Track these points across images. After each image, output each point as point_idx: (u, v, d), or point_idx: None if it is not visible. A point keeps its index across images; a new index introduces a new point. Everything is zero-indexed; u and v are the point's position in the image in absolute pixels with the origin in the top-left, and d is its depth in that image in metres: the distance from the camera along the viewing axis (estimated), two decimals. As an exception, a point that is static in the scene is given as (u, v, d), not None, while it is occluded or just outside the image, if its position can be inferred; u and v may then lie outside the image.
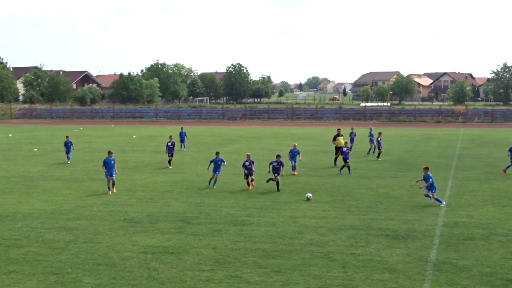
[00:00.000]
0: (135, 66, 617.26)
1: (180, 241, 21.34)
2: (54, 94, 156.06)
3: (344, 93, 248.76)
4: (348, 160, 39.10)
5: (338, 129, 45.54)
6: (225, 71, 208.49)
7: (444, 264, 18.50)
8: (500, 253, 19.79)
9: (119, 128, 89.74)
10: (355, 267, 18.20)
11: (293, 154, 38.71)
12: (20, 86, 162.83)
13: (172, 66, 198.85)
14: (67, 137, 45.89)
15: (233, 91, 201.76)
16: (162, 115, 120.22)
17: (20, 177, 37.29)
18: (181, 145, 54.09)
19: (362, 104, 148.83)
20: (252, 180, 32.52)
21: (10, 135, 74.81)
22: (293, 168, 38.67)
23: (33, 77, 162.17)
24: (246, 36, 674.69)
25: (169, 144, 42.09)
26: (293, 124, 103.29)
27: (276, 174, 32.11)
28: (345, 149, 39.63)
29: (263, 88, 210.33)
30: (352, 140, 51.79)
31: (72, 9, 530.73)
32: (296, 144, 39.98)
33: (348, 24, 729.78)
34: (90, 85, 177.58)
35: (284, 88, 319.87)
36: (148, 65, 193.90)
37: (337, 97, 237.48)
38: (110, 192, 30.98)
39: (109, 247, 20.39)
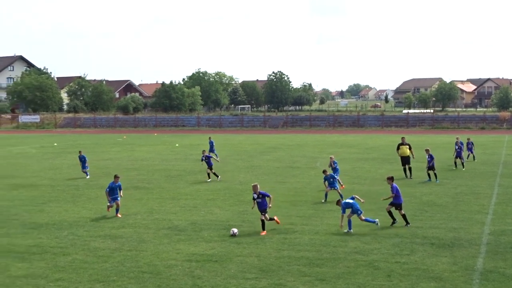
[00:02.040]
0: (177, 74, 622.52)
1: (224, 249, 21.40)
2: (98, 103, 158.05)
3: (386, 100, 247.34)
4: (434, 168, 38.35)
5: (402, 138, 42.12)
6: (266, 79, 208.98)
7: (492, 273, 18.21)
8: (549, 262, 19.41)
9: (161, 137, 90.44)
10: (400, 275, 18.03)
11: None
12: (64, 95, 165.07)
13: (213, 75, 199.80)
14: (79, 152, 43.35)
15: (275, 99, 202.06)
16: (204, 123, 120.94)
17: (66, 185, 37.83)
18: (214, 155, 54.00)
19: (405, 111, 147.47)
20: (269, 219, 24.58)
21: (55, 144, 75.94)
22: (338, 181, 35.94)
23: (77, 86, 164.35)
24: (287, 43, 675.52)
25: (203, 158, 40.42)
26: (335, 131, 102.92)
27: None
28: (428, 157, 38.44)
29: (305, 95, 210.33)
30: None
31: (114, 20, 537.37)
32: (332, 156, 37.39)
33: (389, 30, 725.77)
34: (133, 94, 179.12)
35: (325, 96, 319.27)
36: (190, 74, 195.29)
37: (378, 104, 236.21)
38: (119, 215, 27.60)
39: (153, 255, 20.54)
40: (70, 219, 26.92)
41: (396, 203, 25.12)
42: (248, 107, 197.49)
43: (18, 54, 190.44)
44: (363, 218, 24.14)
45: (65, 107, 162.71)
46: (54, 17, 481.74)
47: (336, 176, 32.53)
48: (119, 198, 28.01)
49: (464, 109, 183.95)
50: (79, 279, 17.90)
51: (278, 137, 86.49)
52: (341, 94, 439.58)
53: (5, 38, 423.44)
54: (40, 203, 31.51)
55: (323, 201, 31.03)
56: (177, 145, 72.06)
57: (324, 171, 31.82)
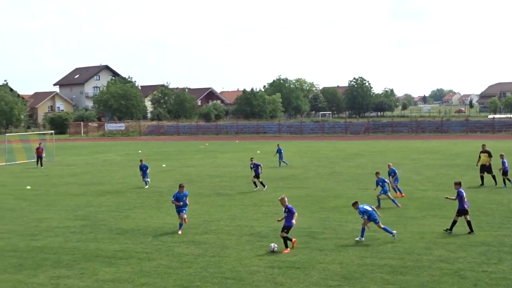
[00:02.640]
0: (258, 82, 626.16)
1: (306, 256, 21.37)
2: (180, 111, 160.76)
3: (471, 105, 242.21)
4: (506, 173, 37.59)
5: (483, 145, 40.85)
6: (347, 85, 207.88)
7: None
8: None
9: (243, 144, 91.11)
10: (487, 285, 17.60)
11: (392, 175, 35.15)
12: (148, 104, 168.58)
13: (294, 81, 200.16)
14: (141, 160, 42.60)
15: (356, 105, 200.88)
16: (285, 130, 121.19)
17: (150, 192, 38.56)
18: (279, 162, 54.18)
19: (490, 116, 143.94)
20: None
21: (140, 151, 77.52)
22: (395, 189, 34.81)
23: (160, 95, 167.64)
24: (367, 49, 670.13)
25: (252, 166, 39.58)
26: (418, 137, 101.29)
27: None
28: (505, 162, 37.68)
29: (386, 101, 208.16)
30: None
31: (196, 28, 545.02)
32: (390, 163, 37.04)
33: (473, 33, 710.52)
34: (214, 101, 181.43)
35: (407, 101, 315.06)
36: (271, 81, 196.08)
37: (463, 109, 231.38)
38: (180, 232, 25.87)
39: (236, 261, 20.70)
40: (155, 225, 27.44)
41: (461, 210, 24.63)
42: (329, 113, 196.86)
43: (104, 63, 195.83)
44: (382, 226, 23.57)
45: (149, 115, 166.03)
46: (138, 27, 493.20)
47: (387, 181, 32.17)
48: (185, 211, 26.21)
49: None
50: (164, 284, 18.22)
51: (359, 144, 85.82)
52: (424, 99, 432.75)
53: (92, 48, 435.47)
54: (126, 209, 32.24)
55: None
56: (258, 152, 72.41)
57: (377, 173, 32.10)
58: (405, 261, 20.40)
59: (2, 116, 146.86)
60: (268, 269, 19.73)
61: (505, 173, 37.64)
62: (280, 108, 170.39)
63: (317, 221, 27.80)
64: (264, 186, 38.69)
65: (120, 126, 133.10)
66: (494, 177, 38.63)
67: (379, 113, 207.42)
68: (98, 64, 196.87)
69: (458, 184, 25.36)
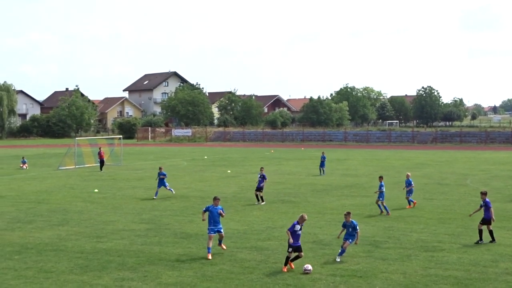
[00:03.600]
0: (324, 90, 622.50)
1: (368, 265, 21.22)
2: (247, 117, 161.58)
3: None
4: None
5: None
6: (415, 94, 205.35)
7: None
8: None
9: (308, 151, 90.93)
10: (555, 300, 17.17)
11: (407, 185, 34.52)
12: (215, 110, 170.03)
13: (361, 90, 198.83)
14: (160, 168, 40.72)
15: (424, 114, 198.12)
16: (351, 138, 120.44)
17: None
18: (320, 170, 53.86)
19: None
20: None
21: (206, 157, 78.23)
22: (409, 201, 34.38)
23: (227, 101, 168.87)
24: (436, 58, 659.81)
25: (259, 176, 36.88)
26: (487, 148, 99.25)
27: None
28: None
29: (455, 111, 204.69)
30: None
31: (263, 35, 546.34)
32: (409, 173, 35.89)
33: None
34: (281, 109, 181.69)
35: (477, 111, 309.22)
36: (337, 89, 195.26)
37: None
38: (224, 246, 23.76)
39: (298, 268, 20.68)
40: (218, 230, 27.60)
41: (485, 219, 24.99)
42: (396, 122, 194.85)
43: (172, 70, 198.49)
44: (347, 244, 22.25)
45: (215, 121, 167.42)
46: (206, 34, 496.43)
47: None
48: (222, 229, 23.42)
49: None
50: (226, 289, 18.35)
51: (426, 153, 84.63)
52: (494, 109, 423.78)
53: (161, 55, 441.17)
54: (190, 214, 32.58)
55: (379, 213, 32.02)
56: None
57: (380, 178, 32.91)
58: (470, 273, 20.05)
59: (73, 120, 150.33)
60: (330, 277, 19.66)
61: None
62: (347, 116, 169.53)
63: (381, 230, 27.56)
64: (262, 201, 36.01)
65: (187, 132, 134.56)
66: None
67: (447, 123, 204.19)
68: (167, 71, 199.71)
69: (484, 194, 25.85)
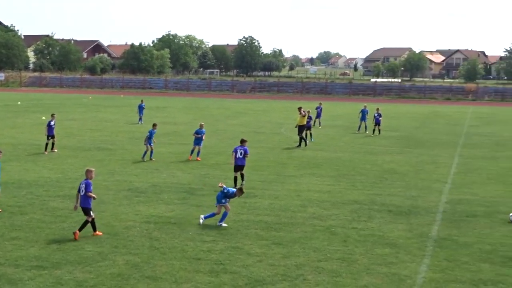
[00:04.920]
0: (146, 36, 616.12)
1: (183, 212, 21.43)
2: (65, 63, 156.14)
3: (355, 69, 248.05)
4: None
5: (299, 108, 40.38)
6: (236, 43, 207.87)
7: (445, 240, 18.53)
8: (502, 231, 19.80)
9: (128, 99, 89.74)
10: (356, 241, 18.25)
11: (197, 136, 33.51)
12: (31, 54, 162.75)
13: (183, 38, 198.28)
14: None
15: (244, 64, 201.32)
16: (171, 86, 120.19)
17: (27, 144, 37.45)
18: (139, 118, 53.65)
19: (373, 80, 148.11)
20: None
21: (19, 103, 74.97)
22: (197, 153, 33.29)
23: (44, 45, 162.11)
24: (258, 9, 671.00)
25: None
26: (303, 98, 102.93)
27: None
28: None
29: (274, 61, 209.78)
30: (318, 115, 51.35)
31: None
32: (202, 123, 34.71)
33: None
34: (101, 54, 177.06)
35: (295, 62, 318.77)
36: (160, 36, 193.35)
37: (348, 72, 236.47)
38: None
39: (112, 216, 20.49)
40: (30, 179, 26.67)
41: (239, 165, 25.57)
42: (217, 71, 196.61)
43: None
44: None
45: (31, 65, 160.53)
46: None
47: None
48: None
49: (432, 80, 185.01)
50: (36, 238, 17.79)
51: (245, 102, 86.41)
52: (311, 61, 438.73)
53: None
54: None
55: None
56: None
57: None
58: (280, 218, 20.82)
59: None
60: (144, 224, 19.64)
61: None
62: (168, 64, 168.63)
63: (197, 177, 27.88)
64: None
65: (0, 76, 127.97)
66: (310, 134, 41.49)
67: (266, 73, 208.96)
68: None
69: (244, 142, 26.43)
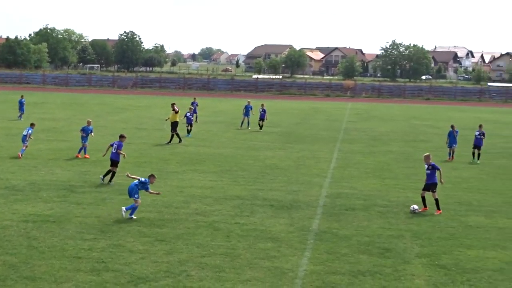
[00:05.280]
0: (22, 30, 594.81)
1: (63, 209, 20.91)
2: None
3: (237, 65, 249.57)
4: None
5: (172, 104, 40.80)
6: (117, 38, 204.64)
7: (325, 233, 18.99)
8: (379, 223, 20.51)
9: (4, 94, 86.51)
10: (238, 236, 18.40)
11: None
12: None
13: (62, 32, 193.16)
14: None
15: (125, 59, 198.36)
16: (50, 81, 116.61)
17: None
18: (20, 115, 51.32)
19: (254, 76, 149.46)
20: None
21: None
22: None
23: None
24: (140, 3, 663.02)
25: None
26: (185, 94, 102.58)
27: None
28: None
29: (156, 57, 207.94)
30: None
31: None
32: (89, 120, 34.12)
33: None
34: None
35: (177, 58, 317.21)
36: (37, 30, 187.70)
37: (230, 68, 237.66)
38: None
39: (-14, 215, 19.72)
40: None
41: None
42: (98, 66, 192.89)
43: None
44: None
45: None
46: None
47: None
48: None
49: (312, 77, 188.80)
50: None
51: (126, 98, 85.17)
52: (193, 57, 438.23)
53: None
54: None
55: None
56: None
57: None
58: (163, 214, 20.71)
59: None
60: (21, 223, 19.02)
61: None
62: (46, 58, 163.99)
63: (77, 174, 27.28)
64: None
65: None
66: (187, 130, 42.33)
67: (148, 69, 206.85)
68: None
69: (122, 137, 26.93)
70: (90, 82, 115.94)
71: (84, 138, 32.10)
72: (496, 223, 21.22)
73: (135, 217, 19.95)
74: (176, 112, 39.15)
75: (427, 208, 22.31)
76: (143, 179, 20.54)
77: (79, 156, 31.87)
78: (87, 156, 31.82)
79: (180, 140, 38.53)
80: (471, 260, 17.02)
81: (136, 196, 20.13)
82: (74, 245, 17.04)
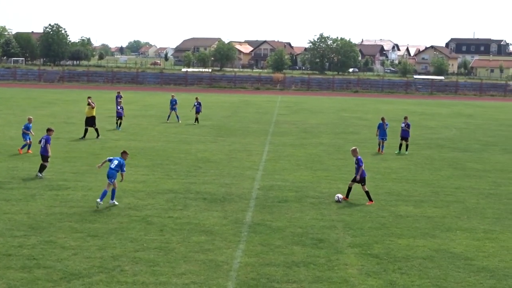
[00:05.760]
0: None
1: (-10, 207, 20.42)
2: None
3: (166, 58, 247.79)
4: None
5: (88, 97, 40.59)
6: (42, 31, 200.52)
7: (259, 225, 19.09)
8: (311, 214, 20.73)
9: None
10: (172, 230, 18.33)
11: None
12: None
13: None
14: None
15: (51, 53, 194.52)
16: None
17: None
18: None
19: (184, 70, 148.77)
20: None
21: None
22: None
23: None
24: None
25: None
26: (113, 87, 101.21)
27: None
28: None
29: (83, 50, 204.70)
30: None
31: None
32: (31, 117, 33.46)
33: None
34: None
35: (104, 51, 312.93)
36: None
37: (158, 61, 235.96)
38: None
39: None
40: None
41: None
42: (22, 60, 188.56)
43: None
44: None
45: None
46: None
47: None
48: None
49: (241, 70, 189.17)
50: None
51: (53, 92, 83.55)
52: (121, 50, 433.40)
53: None
54: None
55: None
56: None
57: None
58: (94, 210, 20.42)
59: None
60: None
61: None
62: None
63: (4, 170, 26.64)
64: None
65: None
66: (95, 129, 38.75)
67: (75, 62, 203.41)
68: None
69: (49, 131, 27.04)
70: (15, 76, 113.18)
71: (25, 136, 31.42)
72: (425, 212, 21.74)
73: (117, 203, 21.08)
74: (93, 107, 38.56)
75: (348, 198, 22.78)
76: (117, 160, 21.22)
77: (21, 152, 31.19)
78: (30, 151, 31.24)
79: (98, 135, 37.82)
80: (402, 248, 17.40)
81: (113, 180, 20.98)
82: (4, 242, 16.67)
